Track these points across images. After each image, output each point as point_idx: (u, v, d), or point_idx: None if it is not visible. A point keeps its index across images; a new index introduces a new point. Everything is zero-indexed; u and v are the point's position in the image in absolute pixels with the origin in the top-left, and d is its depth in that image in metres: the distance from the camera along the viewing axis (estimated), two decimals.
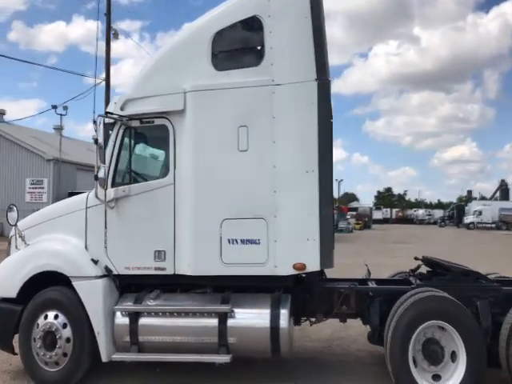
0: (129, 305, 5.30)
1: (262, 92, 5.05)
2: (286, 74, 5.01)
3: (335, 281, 5.99)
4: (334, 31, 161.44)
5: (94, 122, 5.08)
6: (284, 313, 4.98)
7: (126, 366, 5.28)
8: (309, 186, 4.90)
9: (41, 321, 5.39)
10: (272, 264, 4.95)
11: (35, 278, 5.46)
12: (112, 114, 5.26)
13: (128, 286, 5.52)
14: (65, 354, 5.31)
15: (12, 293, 5.52)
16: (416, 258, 5.69)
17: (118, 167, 5.47)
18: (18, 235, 5.77)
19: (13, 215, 5.75)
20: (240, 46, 5.28)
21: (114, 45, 22.81)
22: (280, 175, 4.98)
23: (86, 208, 5.51)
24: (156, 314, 5.21)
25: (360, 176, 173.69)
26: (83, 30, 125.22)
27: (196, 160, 5.20)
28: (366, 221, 60.86)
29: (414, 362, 4.75)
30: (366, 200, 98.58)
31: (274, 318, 4.95)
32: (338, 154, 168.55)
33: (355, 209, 67.59)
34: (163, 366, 5.40)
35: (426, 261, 5.59)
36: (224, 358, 4.91)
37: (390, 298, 5.16)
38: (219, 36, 5.21)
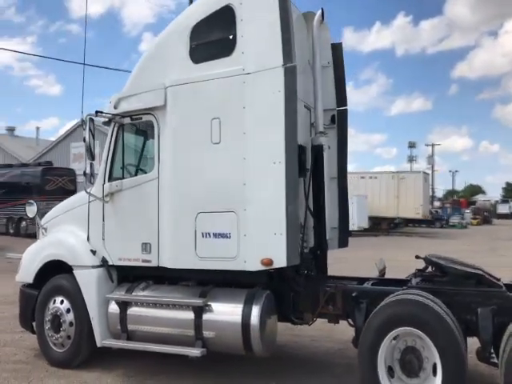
0: (119, 294, 5.54)
1: (233, 82, 4.93)
2: (255, 62, 4.83)
3: (335, 279, 5.65)
4: (457, 10, 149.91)
5: (83, 121, 5.37)
6: (256, 310, 4.81)
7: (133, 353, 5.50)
8: (275, 178, 4.66)
9: (51, 305, 5.87)
10: (242, 259, 4.82)
11: (50, 265, 5.98)
12: (102, 112, 5.52)
13: (127, 276, 5.78)
14: (68, 337, 5.74)
15: (29, 279, 6.12)
16: (417, 257, 5.10)
17: (113, 163, 5.75)
18: (38, 227, 6.36)
19: (32, 209, 6.35)
20: (215, 36, 5.18)
21: None
22: (249, 167, 4.82)
23: (89, 202, 5.86)
24: (141, 304, 5.38)
25: (489, 166, 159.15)
26: None
27: (173, 154, 5.26)
28: (485, 215, 55.82)
29: (391, 371, 4.30)
30: (494, 193, 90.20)
31: (246, 315, 4.81)
32: (462, 142, 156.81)
33: (474, 202, 62.39)
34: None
35: (427, 260, 4.98)
36: (195, 352, 4.90)
37: (377, 300, 4.71)
38: (196, 29, 5.19)
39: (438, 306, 4.18)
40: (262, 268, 4.70)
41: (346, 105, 6.39)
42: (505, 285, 4.87)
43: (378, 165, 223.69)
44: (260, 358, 5.06)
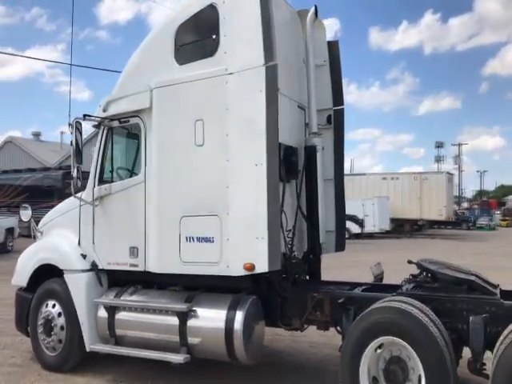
0: (107, 298, 5.50)
1: (216, 83, 4.82)
2: (237, 62, 4.71)
3: (328, 284, 5.49)
4: (488, 6, 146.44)
5: (70, 125, 5.36)
6: (240, 316, 4.69)
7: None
8: (257, 180, 4.53)
9: (43, 309, 5.88)
10: (225, 264, 4.70)
11: (44, 268, 5.99)
12: (90, 116, 5.50)
13: (118, 280, 5.74)
14: (60, 341, 5.73)
15: (23, 282, 6.15)
16: (409, 262, 4.89)
17: (103, 166, 5.73)
18: (33, 231, 6.39)
19: (27, 213, 6.38)
20: (199, 37, 5.11)
21: None
22: (232, 170, 4.70)
23: (80, 206, 5.85)
24: (128, 309, 5.32)
25: None
26: None
27: (158, 156, 5.19)
28: None
29: (376, 382, 4.11)
30: None
31: (229, 321, 4.70)
32: (493, 141, 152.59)
33: (505, 203, 60.58)
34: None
35: (419, 265, 4.76)
36: (178, 359, 4.81)
37: (365, 306, 4.51)
38: (181, 30, 5.12)
39: (425, 314, 3.96)
40: (244, 273, 4.57)
41: (342, 104, 6.21)
42: (503, 291, 4.63)
43: (405, 165, 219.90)
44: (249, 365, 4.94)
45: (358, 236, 30.13)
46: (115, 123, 5.62)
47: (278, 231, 4.58)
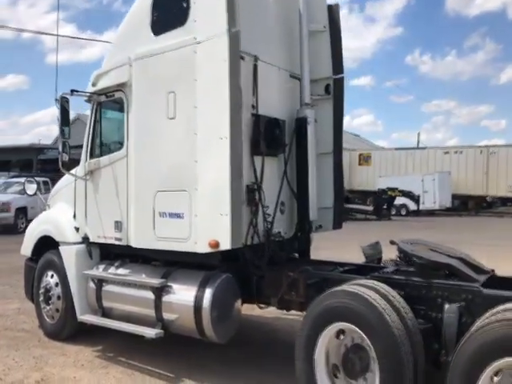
0: (96, 271, 5.60)
1: (186, 53, 4.63)
2: (204, 30, 4.47)
3: (314, 263, 5.22)
4: None
5: (56, 100, 5.40)
6: (209, 293, 4.58)
7: None
8: (222, 154, 4.33)
9: (44, 278, 6.12)
10: (193, 240, 4.58)
11: (47, 240, 6.21)
12: (77, 91, 5.52)
13: (109, 253, 5.83)
14: (57, 310, 5.94)
15: (28, 252, 6.43)
16: (392, 242, 4.50)
17: (93, 141, 5.77)
18: (40, 204, 6.63)
19: (32, 186, 6.61)
20: (173, 6, 4.86)
21: None
22: (200, 143, 4.53)
23: (75, 180, 5.96)
24: (112, 282, 5.39)
25: None
26: None
27: (136, 130, 5.14)
28: None
29: (336, 372, 3.86)
30: None
31: (199, 298, 4.60)
32: None
33: None
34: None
35: (398, 247, 4.36)
36: (150, 333, 4.81)
37: None
38: (158, 1, 4.95)
39: (387, 301, 3.62)
40: (210, 250, 4.44)
41: (342, 72, 5.80)
42: (499, 278, 4.17)
43: (484, 139, 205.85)
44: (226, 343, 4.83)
45: (417, 213, 28.93)
46: (103, 98, 5.61)
47: (240, 208, 4.38)
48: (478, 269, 4.18)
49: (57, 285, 5.96)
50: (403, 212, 29.12)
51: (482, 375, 3.03)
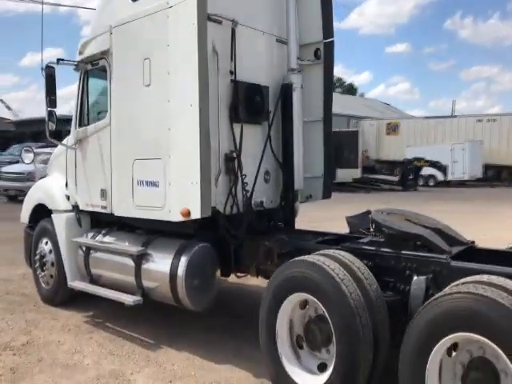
0: (83, 238, 5.69)
1: (159, 18, 4.51)
2: None
3: (292, 232, 5.14)
4: None
5: (42, 69, 5.39)
6: (183, 261, 4.57)
7: None
8: (191, 121, 4.23)
9: (39, 245, 6.28)
10: (167, 208, 4.56)
11: (42, 208, 6.33)
12: (63, 60, 5.49)
13: (99, 221, 5.89)
14: (51, 276, 6.11)
15: (26, 220, 6.59)
16: (368, 213, 4.35)
17: (82, 109, 5.78)
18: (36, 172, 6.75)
19: (29, 155, 6.72)
20: None
21: None
22: (172, 110, 4.44)
23: (66, 149, 6.01)
24: (97, 249, 5.46)
25: None
26: None
27: (116, 98, 5.11)
28: None
29: (300, 343, 3.81)
30: None
31: (174, 266, 4.61)
32: None
33: None
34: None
35: (370, 217, 4.21)
36: (128, 300, 4.87)
37: None
38: None
39: (349, 271, 3.52)
40: (182, 219, 4.41)
41: (332, 36, 5.55)
42: (472, 250, 3.99)
43: None
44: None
45: (446, 184, 28.18)
46: (89, 66, 5.58)
47: (210, 176, 4.30)
48: (454, 240, 4.00)
49: (50, 251, 6.10)
50: (431, 183, 28.41)
51: (435, 347, 2.91)
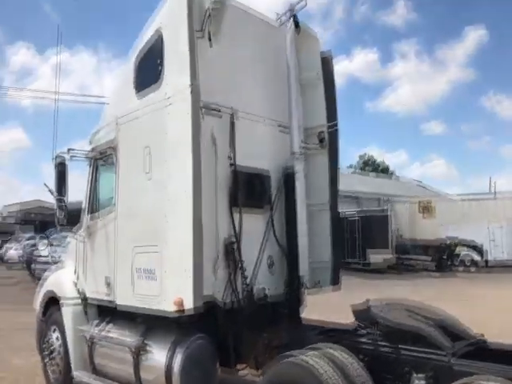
0: (87, 327, 5.63)
1: (159, 108, 4.73)
2: (173, 85, 4.58)
3: (303, 324, 4.96)
4: None
5: (53, 159, 5.70)
6: (179, 356, 4.43)
7: None
8: (185, 209, 4.28)
9: (49, 333, 6.26)
10: (163, 298, 4.50)
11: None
12: (73, 150, 5.81)
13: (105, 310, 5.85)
14: (58, 365, 6.02)
15: (38, 306, 6.64)
16: (366, 302, 4.15)
17: (91, 198, 5.98)
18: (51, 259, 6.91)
19: (43, 242, 6.91)
20: (150, 64, 5.01)
21: None
22: (169, 197, 4.53)
23: (76, 237, 6.16)
24: (99, 339, 5.38)
25: None
26: None
27: (121, 187, 5.30)
28: None
29: None
30: None
31: (169, 360, 4.46)
32: None
33: None
34: None
35: (366, 309, 4.01)
36: None
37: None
38: (140, 60, 5.18)
39: (338, 370, 3.31)
40: (175, 309, 4.32)
41: (336, 120, 5.66)
42: (479, 346, 3.71)
43: None
44: None
45: (485, 264, 26.90)
46: (98, 156, 5.85)
47: (202, 264, 4.25)
48: (459, 335, 3.74)
49: (58, 339, 6.07)
50: (468, 263, 27.21)
51: None
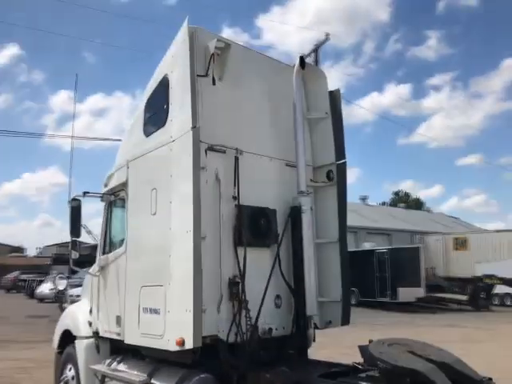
0: (98, 365, 5.68)
1: (165, 151, 4.89)
2: (177, 128, 4.72)
3: (309, 364, 4.87)
4: None
5: (69, 202, 5.93)
6: None
7: None
8: (187, 248, 4.35)
9: (65, 370, 6.36)
10: (166, 337, 4.51)
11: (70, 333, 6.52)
12: (89, 192, 6.03)
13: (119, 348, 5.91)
14: None
15: (56, 345, 6.77)
16: (370, 342, 4.06)
17: (105, 238, 6.16)
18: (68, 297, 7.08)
19: (62, 282, 7.11)
20: (158, 108, 5.22)
21: None
22: (172, 238, 4.61)
23: (91, 276, 6.32)
24: (110, 378, 5.41)
25: None
26: None
27: (130, 227, 5.42)
28: None
29: None
30: None
31: None
32: None
33: None
34: None
35: (366, 348, 3.91)
36: None
37: None
38: (148, 103, 5.41)
39: None
40: (177, 348, 4.33)
41: (344, 158, 5.71)
42: None
43: None
44: None
45: None
46: (112, 197, 6.06)
47: (200, 302, 4.26)
48: (464, 377, 3.60)
49: (73, 378, 6.14)
50: (508, 302, 26.03)
51: None
